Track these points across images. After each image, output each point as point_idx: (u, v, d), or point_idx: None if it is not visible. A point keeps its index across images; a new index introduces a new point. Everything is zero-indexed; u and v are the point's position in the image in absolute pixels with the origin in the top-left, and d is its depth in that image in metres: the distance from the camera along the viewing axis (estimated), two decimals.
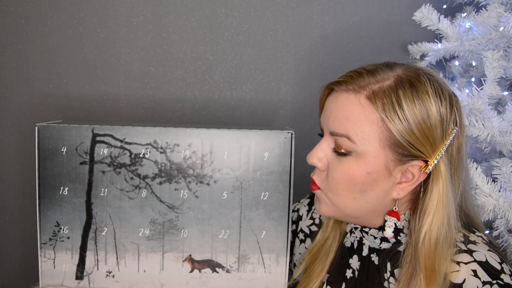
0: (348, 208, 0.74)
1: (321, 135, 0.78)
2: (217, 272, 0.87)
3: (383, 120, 0.67)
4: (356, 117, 0.69)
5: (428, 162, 0.68)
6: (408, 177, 0.70)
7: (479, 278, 0.66)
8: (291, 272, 0.94)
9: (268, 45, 1.29)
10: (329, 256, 0.85)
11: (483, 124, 0.92)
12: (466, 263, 0.68)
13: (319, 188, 0.76)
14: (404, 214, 0.76)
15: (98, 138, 0.83)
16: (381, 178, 0.70)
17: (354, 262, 0.82)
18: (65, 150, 0.83)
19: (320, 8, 1.28)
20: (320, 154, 0.75)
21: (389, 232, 0.73)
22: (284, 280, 0.87)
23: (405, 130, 0.67)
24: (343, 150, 0.71)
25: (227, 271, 0.87)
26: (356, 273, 0.81)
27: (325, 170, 0.74)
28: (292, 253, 0.97)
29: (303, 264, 0.88)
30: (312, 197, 0.98)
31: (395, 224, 0.75)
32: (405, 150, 0.68)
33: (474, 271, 0.66)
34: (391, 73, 0.70)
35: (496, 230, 0.95)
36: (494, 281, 0.65)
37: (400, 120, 0.66)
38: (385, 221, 0.74)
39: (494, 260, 0.68)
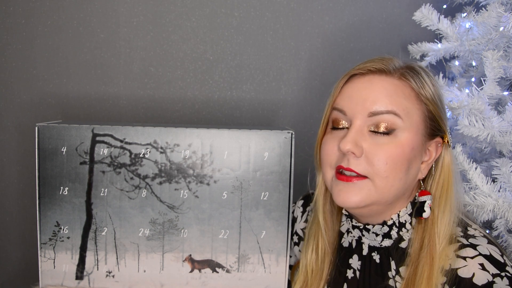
0: (391, 191, 0.73)
1: (336, 122, 0.76)
2: (217, 272, 0.87)
3: (419, 96, 0.74)
4: (396, 95, 0.73)
5: (445, 137, 0.76)
6: (427, 156, 0.76)
7: (488, 271, 0.66)
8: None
9: (268, 45, 1.29)
10: (324, 273, 0.85)
11: (483, 124, 0.92)
12: (472, 258, 0.68)
13: (363, 177, 0.72)
14: (406, 208, 0.76)
15: (98, 138, 0.83)
16: (418, 155, 0.74)
17: (355, 261, 0.82)
18: (65, 150, 0.83)
19: (320, 8, 1.28)
20: (355, 140, 0.72)
21: (428, 211, 0.74)
22: (284, 280, 0.88)
23: (435, 104, 0.75)
24: (387, 128, 0.72)
25: (227, 271, 0.87)
26: (358, 273, 0.81)
27: (360, 156, 0.72)
28: None
29: (298, 284, 0.88)
30: (305, 198, 0.98)
31: (398, 218, 0.76)
32: (437, 124, 0.75)
33: (482, 265, 0.67)
34: (401, 62, 0.77)
35: (496, 230, 0.95)
36: (503, 273, 0.66)
37: (430, 95, 0.75)
38: (420, 202, 0.75)
39: (496, 253, 0.69)
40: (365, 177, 0.72)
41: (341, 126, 0.76)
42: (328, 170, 0.77)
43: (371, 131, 0.73)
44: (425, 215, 0.74)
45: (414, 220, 0.76)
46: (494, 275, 0.66)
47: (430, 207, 0.74)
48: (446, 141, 0.76)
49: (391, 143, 0.72)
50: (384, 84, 0.74)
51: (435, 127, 0.75)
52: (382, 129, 0.72)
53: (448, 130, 0.77)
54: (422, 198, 0.75)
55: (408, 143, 0.72)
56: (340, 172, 0.74)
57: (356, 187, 0.73)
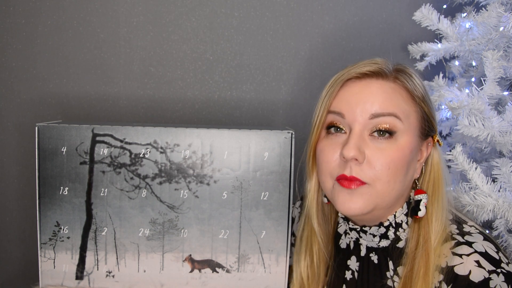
0: (392, 194, 0.72)
1: (333, 126, 0.75)
2: (217, 272, 0.87)
3: (413, 98, 0.75)
4: (395, 98, 0.73)
5: (434, 136, 0.77)
6: (419, 155, 0.77)
7: (484, 268, 0.67)
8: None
9: (268, 45, 1.29)
10: (320, 277, 0.85)
11: (483, 124, 0.92)
12: (468, 255, 0.69)
13: (363, 183, 0.71)
14: (402, 208, 0.77)
15: (98, 138, 0.83)
16: (415, 157, 0.75)
17: (353, 263, 0.82)
18: (65, 150, 0.83)
19: (320, 8, 1.28)
20: (358, 146, 0.71)
21: (424, 210, 0.74)
22: (284, 280, 0.88)
23: (427, 104, 0.76)
24: (388, 131, 0.72)
25: (227, 271, 0.87)
26: (356, 274, 0.81)
27: (363, 162, 0.71)
28: None
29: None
30: (303, 199, 0.97)
31: (395, 219, 0.76)
32: (430, 125, 0.76)
33: (477, 262, 0.67)
34: (390, 64, 0.77)
35: (496, 230, 0.95)
36: (499, 270, 0.66)
37: (422, 96, 0.75)
38: (415, 201, 0.76)
39: (491, 250, 0.69)
40: (366, 183, 0.71)
41: (338, 131, 0.74)
42: (328, 179, 0.75)
43: (371, 135, 0.72)
44: (420, 213, 0.74)
45: (410, 219, 0.77)
46: (490, 272, 0.66)
47: (426, 206, 0.75)
48: (436, 140, 0.77)
49: (392, 147, 0.71)
50: (382, 87, 0.74)
51: (429, 127, 0.76)
52: (383, 133, 0.72)
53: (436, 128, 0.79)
54: (418, 197, 0.75)
55: (408, 145, 0.72)
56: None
57: (357, 194, 0.71)
